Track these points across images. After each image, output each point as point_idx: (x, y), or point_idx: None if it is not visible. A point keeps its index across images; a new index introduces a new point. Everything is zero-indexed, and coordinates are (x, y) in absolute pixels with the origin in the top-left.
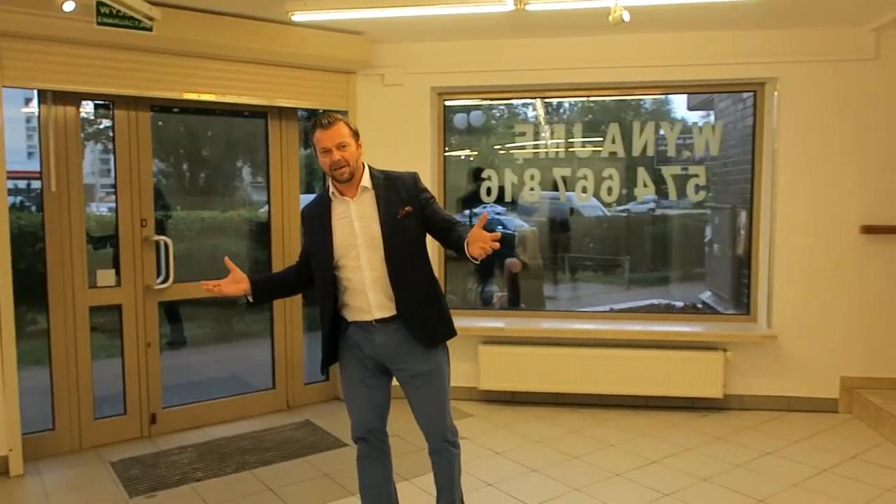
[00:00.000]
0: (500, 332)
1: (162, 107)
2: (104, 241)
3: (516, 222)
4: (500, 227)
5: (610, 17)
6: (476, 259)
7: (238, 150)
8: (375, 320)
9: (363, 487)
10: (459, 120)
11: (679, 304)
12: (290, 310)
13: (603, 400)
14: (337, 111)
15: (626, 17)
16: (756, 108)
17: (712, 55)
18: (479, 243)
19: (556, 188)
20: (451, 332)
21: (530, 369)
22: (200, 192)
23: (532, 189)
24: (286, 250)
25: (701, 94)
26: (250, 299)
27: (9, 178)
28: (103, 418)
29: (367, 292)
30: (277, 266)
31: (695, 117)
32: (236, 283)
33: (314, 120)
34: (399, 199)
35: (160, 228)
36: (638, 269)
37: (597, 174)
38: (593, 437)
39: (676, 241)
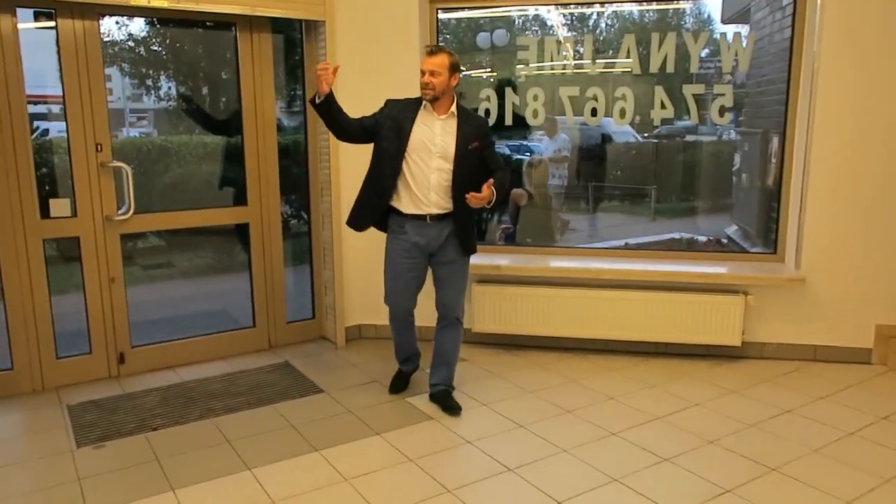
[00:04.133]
0: (497, 271)
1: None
2: None
3: (542, 148)
4: (527, 153)
5: None
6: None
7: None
8: (430, 216)
9: (398, 342)
10: (483, 39)
11: (702, 238)
12: (269, 241)
13: (609, 346)
14: (313, 21)
15: None
16: (795, 16)
17: None
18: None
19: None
20: (475, 248)
21: (530, 311)
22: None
23: (535, 113)
24: (262, 178)
25: None
26: (318, 100)
27: None
28: (67, 357)
29: (430, 192)
30: (254, 200)
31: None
32: (328, 81)
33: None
34: (473, 134)
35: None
36: (665, 199)
37: (637, 93)
38: (592, 387)
39: (705, 170)
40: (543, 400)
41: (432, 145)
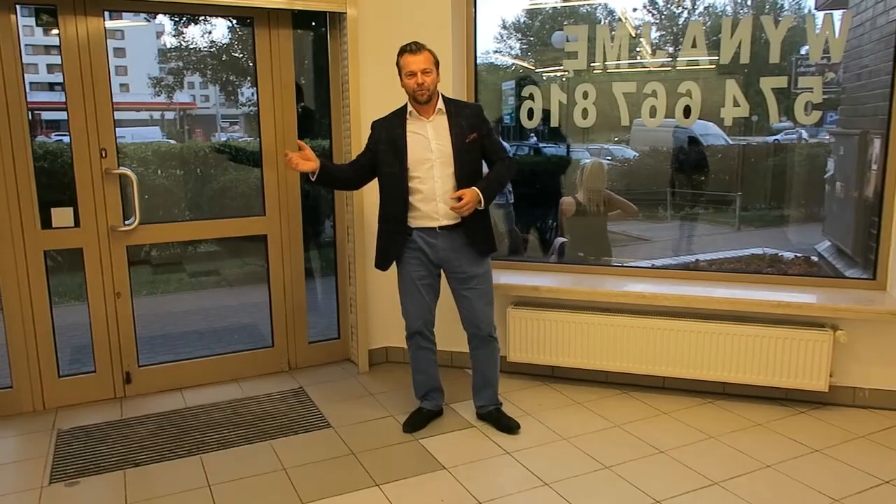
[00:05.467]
0: (536, 293)
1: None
2: None
3: (627, 152)
4: (607, 157)
5: None
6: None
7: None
8: (440, 227)
9: (417, 372)
10: (558, 38)
11: (789, 255)
12: (289, 254)
13: (666, 383)
14: (337, 13)
15: None
16: None
17: None
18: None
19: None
20: (495, 247)
21: (573, 340)
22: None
23: (584, 113)
24: (281, 185)
25: None
26: (313, 178)
27: None
28: (71, 376)
29: (438, 202)
30: (272, 210)
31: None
32: (306, 160)
33: (402, 46)
34: (468, 125)
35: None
36: (751, 207)
37: (706, 89)
38: (640, 436)
39: (796, 176)
40: (579, 450)
41: (430, 153)
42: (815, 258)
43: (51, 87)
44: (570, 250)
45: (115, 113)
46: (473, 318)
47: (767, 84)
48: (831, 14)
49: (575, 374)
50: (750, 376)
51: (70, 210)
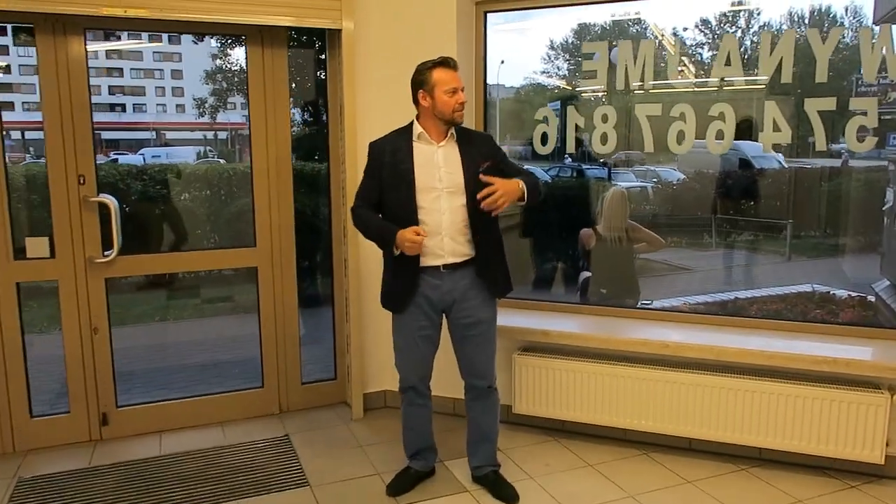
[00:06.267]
0: (546, 338)
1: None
2: None
3: (675, 174)
4: (653, 179)
5: None
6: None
7: None
8: (444, 265)
9: (408, 429)
10: (598, 59)
11: (842, 294)
12: (280, 289)
13: (692, 445)
14: (335, 30)
15: None
16: None
17: None
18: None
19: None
20: (511, 287)
21: (587, 392)
22: None
23: (603, 138)
24: (273, 214)
25: None
26: (396, 253)
27: None
28: (44, 416)
29: (444, 237)
30: (263, 241)
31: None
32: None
33: (436, 59)
34: (479, 153)
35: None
36: (803, 236)
37: (742, 112)
38: None
39: (853, 206)
40: None
41: (437, 182)
42: (871, 298)
43: (111, 108)
44: (593, 286)
45: (168, 133)
46: (475, 368)
47: (813, 106)
48: (890, 28)
49: (588, 429)
50: (791, 442)
51: (45, 240)
